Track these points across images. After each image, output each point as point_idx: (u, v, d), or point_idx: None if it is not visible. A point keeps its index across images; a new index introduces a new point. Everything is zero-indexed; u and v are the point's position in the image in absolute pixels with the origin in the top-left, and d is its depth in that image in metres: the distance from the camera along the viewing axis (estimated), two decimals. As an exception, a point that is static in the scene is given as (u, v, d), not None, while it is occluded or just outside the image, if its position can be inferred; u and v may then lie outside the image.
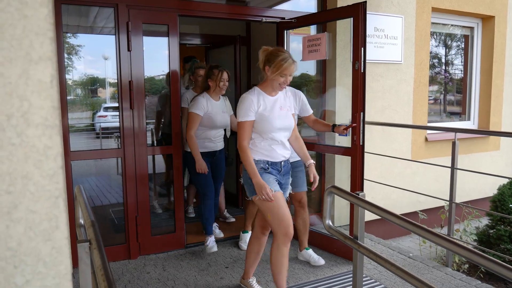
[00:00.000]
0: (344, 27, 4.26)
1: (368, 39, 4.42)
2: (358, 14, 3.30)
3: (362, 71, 3.34)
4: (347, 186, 3.59)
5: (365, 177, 3.59)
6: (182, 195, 3.79)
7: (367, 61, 4.41)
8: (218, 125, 3.72)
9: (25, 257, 1.81)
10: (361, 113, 3.37)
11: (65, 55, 3.52)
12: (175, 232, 3.80)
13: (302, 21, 3.92)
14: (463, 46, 5.85)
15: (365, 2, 3.26)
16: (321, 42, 3.75)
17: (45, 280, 1.84)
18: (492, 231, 4.17)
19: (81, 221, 2.00)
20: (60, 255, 1.86)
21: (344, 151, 3.66)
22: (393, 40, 4.59)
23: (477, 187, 5.50)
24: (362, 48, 3.31)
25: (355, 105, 3.42)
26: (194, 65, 4.32)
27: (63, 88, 3.26)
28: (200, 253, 3.74)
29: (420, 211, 4.77)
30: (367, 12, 4.34)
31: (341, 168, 4.42)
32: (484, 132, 5.47)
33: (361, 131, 3.39)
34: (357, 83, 3.39)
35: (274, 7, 4.15)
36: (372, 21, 4.44)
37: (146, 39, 3.60)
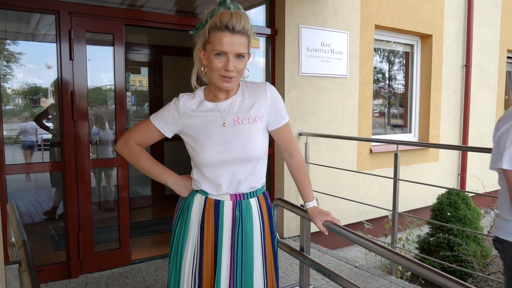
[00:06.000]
0: (293, 41, 4.35)
1: (315, 53, 4.55)
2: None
3: None
4: (295, 198, 3.64)
5: (313, 188, 3.63)
6: (127, 209, 3.66)
7: (314, 74, 4.56)
8: None
9: None
10: None
11: (4, 63, 3.32)
12: (120, 248, 3.66)
13: None
14: (404, 62, 6.16)
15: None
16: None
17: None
18: (432, 239, 4.35)
19: (13, 241, 1.87)
20: None
21: None
22: (339, 55, 4.75)
23: (418, 196, 5.76)
24: None
25: None
26: None
27: (-2, 97, 3.07)
28: (146, 269, 3.61)
29: (366, 220, 4.91)
30: (315, 27, 4.51)
31: (290, 180, 4.47)
32: (423, 144, 5.76)
33: None
34: None
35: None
36: (319, 36, 4.57)
37: (92, 48, 3.48)
